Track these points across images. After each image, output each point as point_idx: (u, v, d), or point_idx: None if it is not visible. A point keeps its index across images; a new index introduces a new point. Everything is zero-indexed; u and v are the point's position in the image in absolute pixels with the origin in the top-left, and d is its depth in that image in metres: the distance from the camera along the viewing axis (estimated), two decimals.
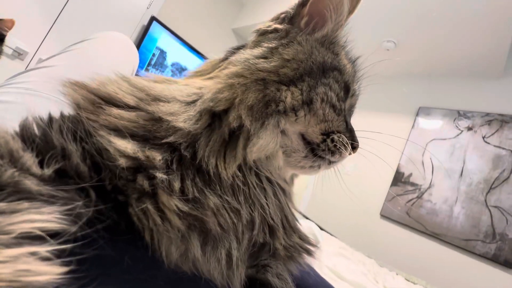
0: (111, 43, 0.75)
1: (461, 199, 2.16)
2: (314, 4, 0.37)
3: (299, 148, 0.34)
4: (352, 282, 1.07)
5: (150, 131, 0.26)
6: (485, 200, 2.05)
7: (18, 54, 1.93)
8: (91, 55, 0.70)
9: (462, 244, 2.04)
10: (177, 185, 0.24)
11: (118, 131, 0.25)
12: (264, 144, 0.30)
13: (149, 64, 2.60)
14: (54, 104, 0.58)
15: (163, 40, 2.60)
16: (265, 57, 0.34)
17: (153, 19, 2.46)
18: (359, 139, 0.40)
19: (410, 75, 2.75)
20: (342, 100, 0.37)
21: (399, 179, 2.49)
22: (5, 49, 1.90)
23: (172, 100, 0.29)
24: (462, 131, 2.32)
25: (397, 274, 1.65)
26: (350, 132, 0.38)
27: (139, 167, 0.24)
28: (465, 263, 2.00)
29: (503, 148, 2.09)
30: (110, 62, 0.72)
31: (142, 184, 0.23)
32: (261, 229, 0.29)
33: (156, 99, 0.29)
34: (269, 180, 0.33)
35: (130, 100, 0.27)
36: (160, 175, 0.24)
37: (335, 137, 0.34)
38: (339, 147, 0.34)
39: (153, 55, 2.59)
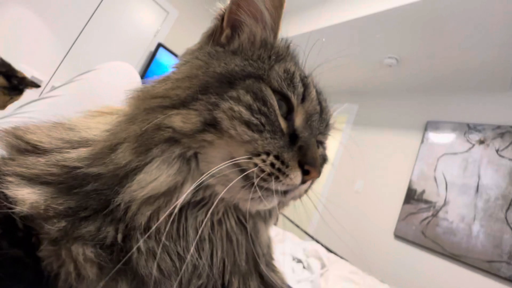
0: (114, 73, 0.79)
1: (479, 216, 2.03)
2: (232, 16, 0.34)
3: (231, 176, 0.28)
4: None
5: (62, 180, 0.25)
6: (506, 218, 1.93)
7: None
8: (95, 85, 0.74)
9: (485, 266, 1.89)
10: (88, 233, 0.23)
11: (29, 179, 0.25)
12: (150, 179, 0.25)
13: None
14: None
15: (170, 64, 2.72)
16: (162, 81, 0.31)
17: (159, 45, 2.59)
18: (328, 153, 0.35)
19: (416, 89, 2.73)
20: (269, 112, 0.29)
21: (411, 196, 2.39)
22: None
23: (88, 143, 0.28)
24: (473, 144, 2.24)
25: None
26: (300, 150, 0.30)
27: (41, 217, 0.23)
28: (490, 287, 1.84)
29: None
30: (112, 90, 0.76)
31: (48, 231, 0.23)
32: (209, 279, 0.27)
33: (71, 144, 0.28)
34: (219, 221, 0.29)
35: (47, 146, 0.28)
36: (63, 224, 0.23)
37: (257, 161, 0.27)
38: (272, 172, 0.27)
39: None
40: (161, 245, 0.25)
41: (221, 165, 0.27)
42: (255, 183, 0.27)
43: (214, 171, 0.27)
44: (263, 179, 0.27)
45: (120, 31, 2.42)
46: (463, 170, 2.22)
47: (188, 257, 0.26)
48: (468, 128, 2.31)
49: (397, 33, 2.12)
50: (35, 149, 0.27)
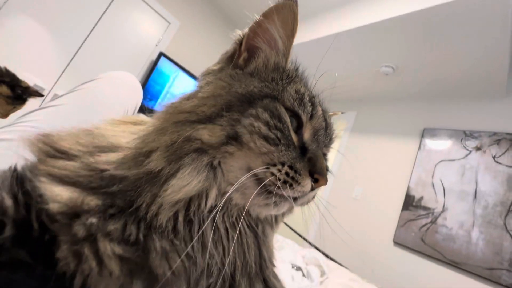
0: (116, 82, 0.81)
1: (478, 223, 2.04)
2: (249, 42, 0.39)
3: (249, 184, 0.31)
4: None
5: (91, 180, 0.27)
6: (505, 224, 1.93)
7: None
8: (97, 94, 0.75)
9: (485, 274, 1.88)
10: (116, 230, 0.25)
11: (60, 180, 0.27)
12: (183, 184, 0.28)
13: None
14: None
15: (173, 74, 2.76)
16: (188, 98, 0.34)
17: (161, 54, 2.64)
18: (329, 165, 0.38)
19: (412, 97, 2.77)
20: (283, 128, 0.33)
21: (410, 203, 2.40)
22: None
23: (117, 148, 0.31)
24: (470, 151, 2.27)
25: None
26: (309, 161, 0.33)
27: (74, 212, 0.25)
28: None
29: None
30: (114, 99, 0.77)
31: (77, 229, 0.24)
32: (220, 277, 0.28)
33: (101, 149, 0.30)
34: (233, 224, 0.32)
35: (76, 153, 0.30)
36: (94, 220, 0.25)
37: (274, 170, 0.31)
38: (286, 180, 0.31)
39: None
40: (174, 245, 0.27)
41: (246, 175, 0.30)
42: (271, 190, 0.31)
43: (241, 181, 0.30)
44: (279, 187, 0.31)
45: (123, 41, 2.47)
46: (460, 177, 2.24)
47: (200, 257, 0.28)
48: (464, 135, 2.34)
49: (393, 43, 2.18)
50: (65, 155, 0.30)
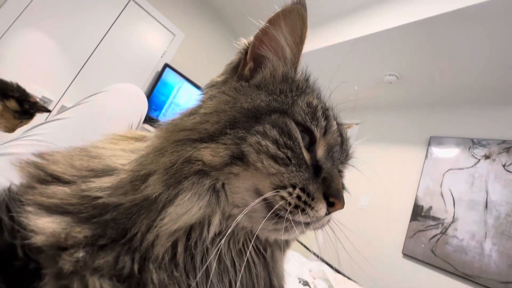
0: (121, 95, 0.81)
1: (490, 234, 1.97)
2: (255, 51, 0.36)
3: (257, 208, 0.28)
4: None
5: (81, 210, 0.25)
6: None
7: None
8: (102, 107, 0.76)
9: None
10: (106, 263, 0.23)
11: (48, 209, 0.25)
12: (181, 211, 0.25)
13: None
14: None
15: (178, 84, 2.80)
16: (190, 114, 0.31)
17: (166, 66, 2.68)
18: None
19: (417, 105, 2.75)
20: (294, 146, 0.30)
21: (418, 213, 2.34)
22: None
23: (112, 171, 0.28)
24: (479, 159, 2.22)
25: None
26: (324, 181, 0.30)
27: (59, 246, 0.23)
28: None
29: None
30: (120, 112, 0.78)
31: (62, 263, 0.22)
32: None
33: (95, 173, 0.28)
34: (239, 251, 0.29)
35: (70, 178, 0.28)
36: (81, 254, 0.22)
37: (284, 194, 0.28)
38: (298, 205, 0.28)
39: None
40: (174, 278, 0.24)
41: (256, 201, 0.27)
42: (282, 215, 0.28)
43: (251, 206, 0.27)
44: (290, 212, 0.28)
45: (129, 53, 2.52)
46: (470, 186, 2.19)
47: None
48: (472, 143, 2.30)
49: (396, 51, 2.18)
50: (57, 180, 0.28)
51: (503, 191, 2.03)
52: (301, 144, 0.31)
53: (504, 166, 2.09)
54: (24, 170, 0.28)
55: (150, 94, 2.63)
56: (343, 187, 0.37)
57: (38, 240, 0.22)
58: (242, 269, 0.28)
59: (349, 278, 1.57)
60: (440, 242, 2.14)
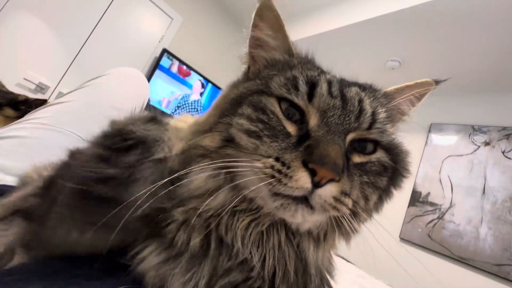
0: (123, 78, 0.80)
1: (486, 219, 2.01)
2: (252, 55, 0.40)
3: (260, 188, 0.28)
4: None
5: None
6: None
7: (40, 88, 2.08)
8: (105, 90, 0.75)
9: (494, 270, 1.86)
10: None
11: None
12: (194, 183, 0.31)
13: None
14: (67, 138, 0.62)
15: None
16: (206, 112, 0.38)
17: (164, 51, 2.62)
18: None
19: None
20: (269, 119, 0.31)
21: (416, 198, 2.38)
22: (29, 86, 2.04)
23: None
24: (479, 146, 2.23)
25: None
26: (306, 149, 0.28)
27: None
28: None
29: None
30: (122, 96, 0.77)
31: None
32: (259, 276, 0.29)
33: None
34: (268, 231, 0.31)
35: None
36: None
37: (259, 164, 0.28)
38: (273, 175, 0.27)
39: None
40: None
41: (247, 178, 0.30)
42: (274, 191, 0.27)
43: (251, 189, 0.30)
44: (270, 184, 0.27)
45: (126, 37, 2.46)
46: (468, 172, 2.21)
47: (240, 254, 0.29)
48: (472, 130, 2.30)
49: (399, 36, 2.13)
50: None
51: (501, 178, 2.06)
52: (279, 115, 0.32)
53: (503, 152, 2.11)
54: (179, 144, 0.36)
55: (148, 80, 2.59)
56: (347, 156, 0.31)
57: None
58: (275, 247, 0.30)
59: (347, 261, 1.61)
60: (437, 227, 2.19)
